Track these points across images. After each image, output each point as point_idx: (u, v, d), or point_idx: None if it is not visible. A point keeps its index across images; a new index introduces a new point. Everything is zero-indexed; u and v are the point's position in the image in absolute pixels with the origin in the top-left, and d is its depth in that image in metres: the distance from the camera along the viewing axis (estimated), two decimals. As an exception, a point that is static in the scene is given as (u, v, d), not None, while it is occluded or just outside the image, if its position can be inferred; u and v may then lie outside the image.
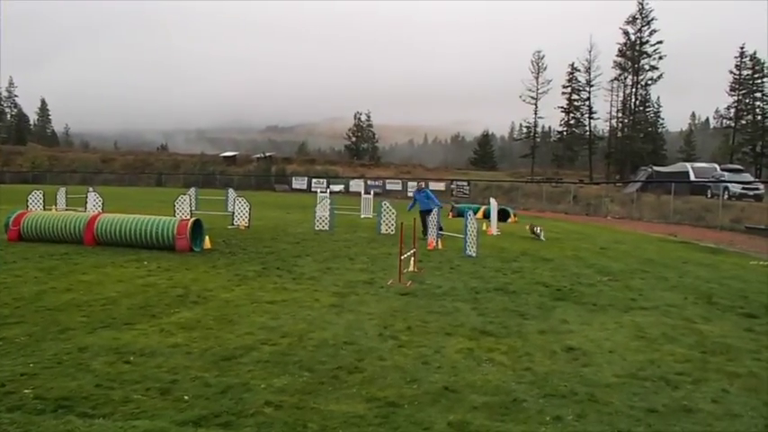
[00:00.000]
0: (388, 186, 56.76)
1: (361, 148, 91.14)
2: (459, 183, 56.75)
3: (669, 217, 29.50)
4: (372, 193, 31.26)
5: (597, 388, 5.05)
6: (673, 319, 7.85)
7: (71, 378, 4.80)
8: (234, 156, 78.88)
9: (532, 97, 74.00)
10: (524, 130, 79.96)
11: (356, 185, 54.18)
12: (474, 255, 13.18)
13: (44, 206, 19.63)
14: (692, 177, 38.64)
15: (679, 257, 14.86)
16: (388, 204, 18.54)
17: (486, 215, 22.61)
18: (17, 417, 4.03)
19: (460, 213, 24.93)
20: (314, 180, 61.28)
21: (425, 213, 16.34)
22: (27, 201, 19.77)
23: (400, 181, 58.40)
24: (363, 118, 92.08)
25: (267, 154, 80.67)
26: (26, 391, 4.47)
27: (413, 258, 10.99)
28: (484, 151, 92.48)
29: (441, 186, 52.66)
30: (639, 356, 6.05)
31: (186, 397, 4.50)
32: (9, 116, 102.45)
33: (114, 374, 4.92)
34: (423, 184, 20.42)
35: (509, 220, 25.72)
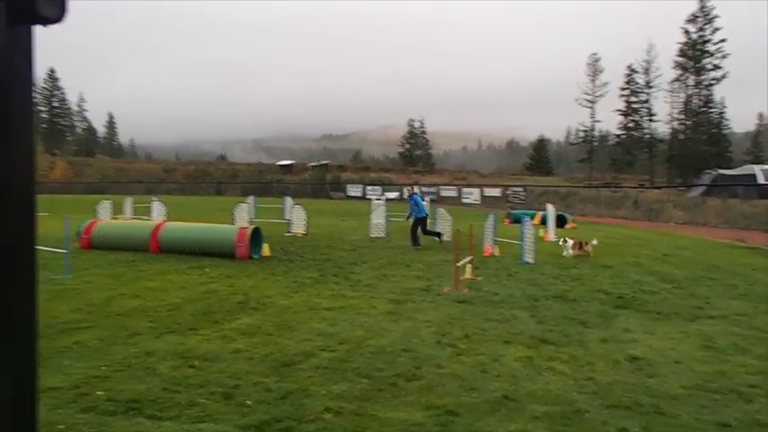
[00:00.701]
0: (443, 193, 56.53)
1: (415, 155, 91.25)
2: (514, 189, 56.00)
3: (736, 222, 28.30)
4: (427, 199, 31.21)
5: (663, 400, 4.90)
6: (742, 328, 7.54)
7: (140, 381, 4.99)
8: (290, 164, 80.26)
9: (589, 100, 72.51)
10: (581, 134, 78.34)
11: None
12: (531, 261, 12.99)
13: (112, 215, 20.45)
14: (761, 180, 36.98)
15: (748, 264, 14.24)
16: (443, 211, 18.49)
17: (543, 221, 22.24)
18: (91, 418, 4.22)
19: (517, 220, 24.60)
20: (368, 187, 61.64)
21: (418, 221, 16.25)
22: (96, 210, 20.63)
23: (455, 188, 58.10)
24: (417, 125, 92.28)
25: (322, 162, 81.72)
26: (99, 393, 4.67)
27: (469, 265, 10.92)
28: (539, 156, 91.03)
29: (496, 192, 52.17)
30: (707, 367, 5.83)
31: (248, 402, 4.61)
32: (79, 130, 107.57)
33: (180, 378, 5.09)
34: (412, 188, 19.32)
35: (566, 225, 25.22)
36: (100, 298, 8.31)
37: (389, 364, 5.65)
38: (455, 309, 8.26)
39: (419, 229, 16.16)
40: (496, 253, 14.59)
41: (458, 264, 10.01)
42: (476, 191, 53.41)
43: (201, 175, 76.53)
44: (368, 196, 53.84)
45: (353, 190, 63.39)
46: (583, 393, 5.00)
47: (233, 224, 16.20)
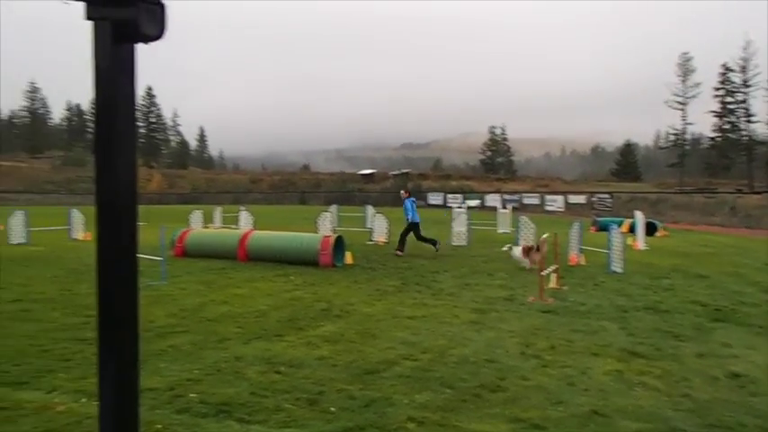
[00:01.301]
0: (526, 200, 55.43)
1: (497, 163, 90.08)
2: (600, 195, 54.11)
3: None
4: (510, 207, 30.73)
5: (769, 420, 4.57)
6: None
7: (229, 385, 5.15)
8: (371, 173, 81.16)
9: (679, 102, 69.27)
10: (671, 137, 74.85)
11: (492, 200, 53.52)
12: (620, 271, 12.49)
13: (203, 224, 21.36)
14: None
15: None
16: (526, 219, 18.12)
17: (632, 229, 21.35)
18: (185, 419, 4.39)
19: (603, 227, 23.76)
20: (449, 195, 61.32)
21: (410, 226, 15.86)
22: (188, 219, 21.62)
23: (537, 195, 56.83)
24: (498, 132, 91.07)
25: (403, 171, 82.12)
26: (192, 395, 4.87)
27: (554, 275, 10.64)
28: (626, 161, 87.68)
29: (581, 199, 50.57)
30: (819, 387, 5.39)
31: (332, 409, 4.66)
32: (174, 143, 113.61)
33: (267, 383, 5.22)
34: (405, 193, 17.63)
35: (657, 233, 24.10)
36: (192, 304, 8.68)
37: (473, 375, 5.57)
38: (540, 319, 8.06)
39: (412, 235, 15.82)
40: (582, 262, 14.14)
41: (542, 273, 9.77)
42: (559, 198, 51.92)
43: (286, 185, 78.69)
44: (448, 204, 53.57)
45: (434, 198, 63.18)
46: (678, 411, 4.74)
47: (316, 233, 16.53)
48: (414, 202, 16.48)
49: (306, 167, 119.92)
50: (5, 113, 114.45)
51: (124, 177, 0.67)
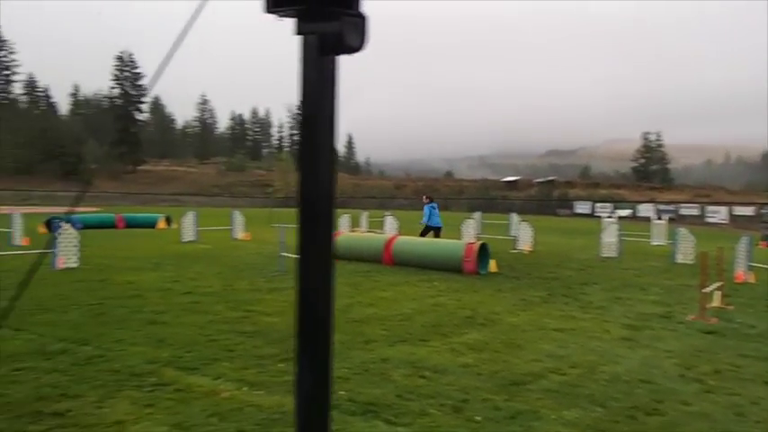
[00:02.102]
0: (683, 211, 51.47)
1: (650, 170, 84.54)
2: (773, 207, 48.88)
3: None
4: (665, 218, 28.72)
5: None
6: None
7: (376, 386, 5.29)
8: (515, 181, 79.64)
9: None
10: None
11: (645, 210, 50.43)
12: (799, 292, 11.18)
13: (351, 228, 22.16)
14: None
15: None
16: (685, 231, 16.83)
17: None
18: (335, 415, 4.56)
19: (777, 243, 21.42)
20: (597, 204, 58.55)
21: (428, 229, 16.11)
22: (338, 223, 22.54)
23: (697, 205, 52.53)
24: (652, 138, 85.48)
25: (549, 178, 79.72)
26: (341, 392, 5.05)
27: (718, 292, 9.76)
28: (807, 170, 78.38)
29: (749, 211, 45.98)
30: None
31: (478, 418, 4.62)
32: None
33: (412, 387, 5.29)
34: (428, 198, 17.36)
35: None
36: (340, 304, 9.02)
37: (626, 395, 5.26)
38: (701, 340, 7.43)
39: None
40: (751, 280, 12.84)
41: (704, 290, 8.99)
42: (723, 209, 47.61)
43: (429, 191, 79.41)
44: (597, 214, 51.24)
45: (581, 207, 60.66)
46: None
47: (460, 239, 16.51)
48: (434, 207, 16.76)
49: (449, 174, 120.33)
50: (180, 124, 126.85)
51: (324, 183, 0.71)
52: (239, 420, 4.44)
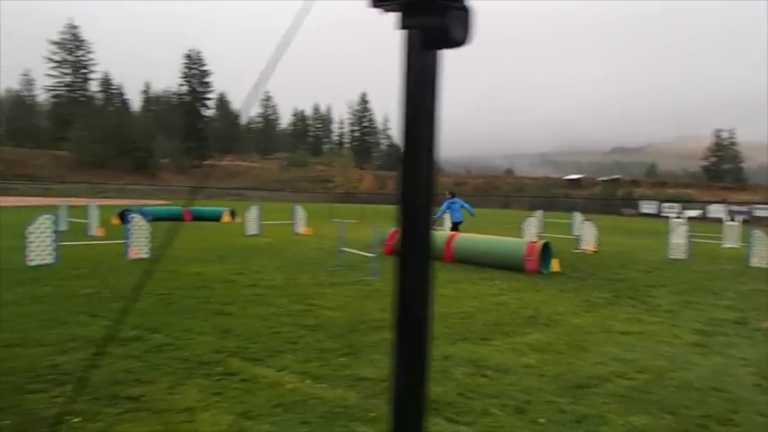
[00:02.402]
0: (757, 212, 49.12)
1: (722, 170, 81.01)
2: None
3: None
4: (738, 219, 27.46)
5: None
6: None
7: (438, 383, 5.26)
8: (578, 179, 77.84)
9: None
10: None
11: (715, 211, 48.42)
12: None
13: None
14: None
15: None
16: (761, 234, 16.05)
17: None
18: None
19: None
20: (664, 204, 56.57)
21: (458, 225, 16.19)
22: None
23: (775, 206, 50.01)
24: (725, 135, 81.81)
25: (613, 177, 77.53)
26: (402, 388, 5.05)
27: (798, 299, 9.26)
28: None
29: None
30: None
31: (541, 420, 4.54)
32: (383, 146, 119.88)
33: (473, 386, 5.24)
34: (449, 194, 17.10)
35: None
36: (401, 300, 9.03)
37: (698, 403, 5.06)
38: (780, 348, 7.07)
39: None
40: (836, 287, 12.13)
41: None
42: (805, 211, 45.19)
43: (489, 189, 78.60)
44: (663, 214, 49.54)
45: (647, 207, 58.75)
46: None
47: (521, 238, 16.26)
48: (453, 203, 16.52)
49: (509, 171, 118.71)
50: (244, 120, 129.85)
51: (424, 180, 0.70)
52: (303, 412, 4.51)
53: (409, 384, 0.69)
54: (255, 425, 4.26)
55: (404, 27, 0.67)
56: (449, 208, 16.45)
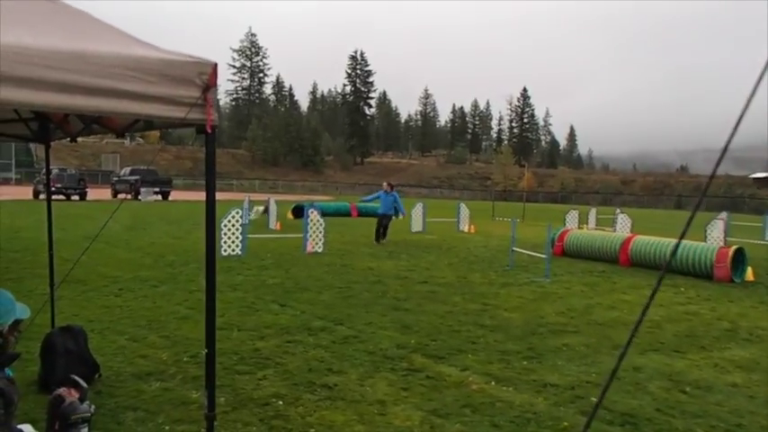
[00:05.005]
0: None
1: None
2: None
3: None
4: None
5: None
6: None
7: (630, 396, 4.97)
8: (766, 178, 69.94)
9: None
10: None
11: None
12: None
13: (578, 225, 21.27)
14: None
15: None
16: None
17: None
18: (581, 420, 4.37)
19: None
20: None
21: (385, 217, 16.39)
22: (565, 219, 21.78)
23: None
24: None
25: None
26: (593, 398, 4.82)
27: None
28: None
29: None
30: None
31: (759, 446, 4.10)
32: (543, 143, 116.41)
33: (673, 402, 4.87)
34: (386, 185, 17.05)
35: None
36: (579, 305, 8.68)
37: None
38: None
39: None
40: None
41: None
42: None
43: (661, 187, 73.32)
44: None
45: None
46: None
47: (704, 242, 14.93)
48: (388, 195, 16.46)
49: (683, 169, 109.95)
50: (404, 118, 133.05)
51: None
52: (492, 415, 4.46)
53: None
54: (447, 423, 4.28)
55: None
56: (381, 198, 16.71)
